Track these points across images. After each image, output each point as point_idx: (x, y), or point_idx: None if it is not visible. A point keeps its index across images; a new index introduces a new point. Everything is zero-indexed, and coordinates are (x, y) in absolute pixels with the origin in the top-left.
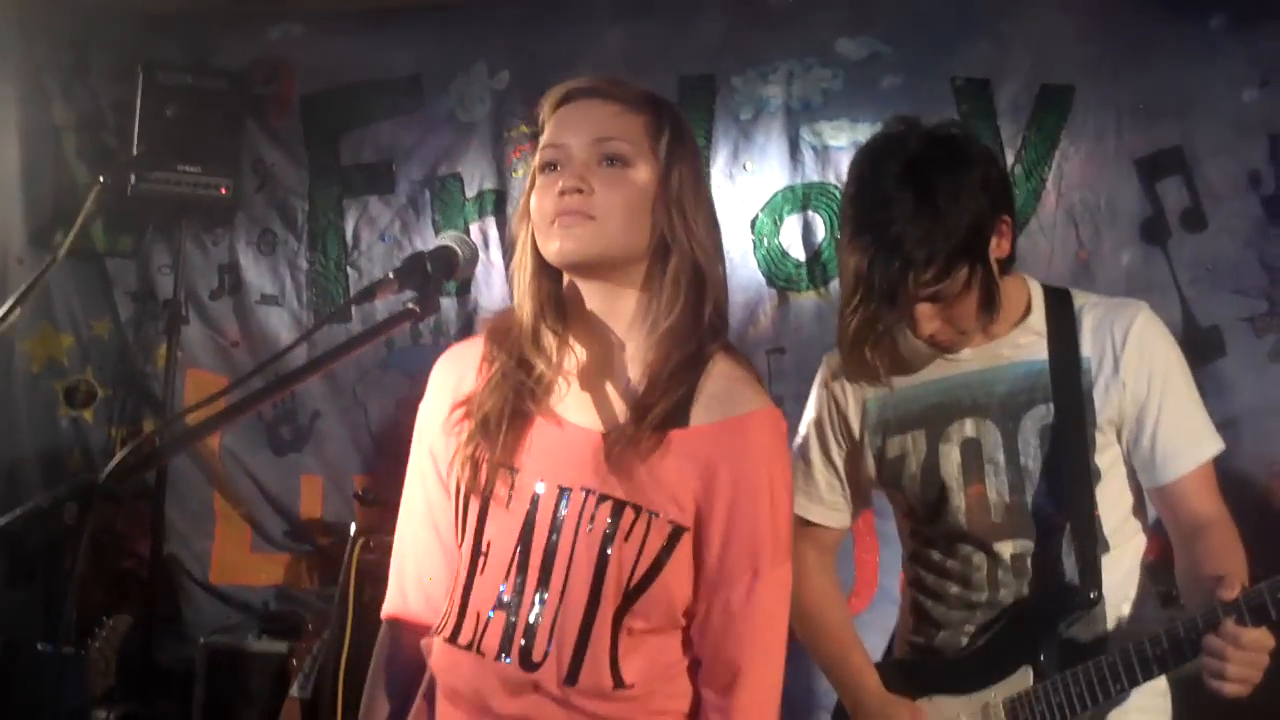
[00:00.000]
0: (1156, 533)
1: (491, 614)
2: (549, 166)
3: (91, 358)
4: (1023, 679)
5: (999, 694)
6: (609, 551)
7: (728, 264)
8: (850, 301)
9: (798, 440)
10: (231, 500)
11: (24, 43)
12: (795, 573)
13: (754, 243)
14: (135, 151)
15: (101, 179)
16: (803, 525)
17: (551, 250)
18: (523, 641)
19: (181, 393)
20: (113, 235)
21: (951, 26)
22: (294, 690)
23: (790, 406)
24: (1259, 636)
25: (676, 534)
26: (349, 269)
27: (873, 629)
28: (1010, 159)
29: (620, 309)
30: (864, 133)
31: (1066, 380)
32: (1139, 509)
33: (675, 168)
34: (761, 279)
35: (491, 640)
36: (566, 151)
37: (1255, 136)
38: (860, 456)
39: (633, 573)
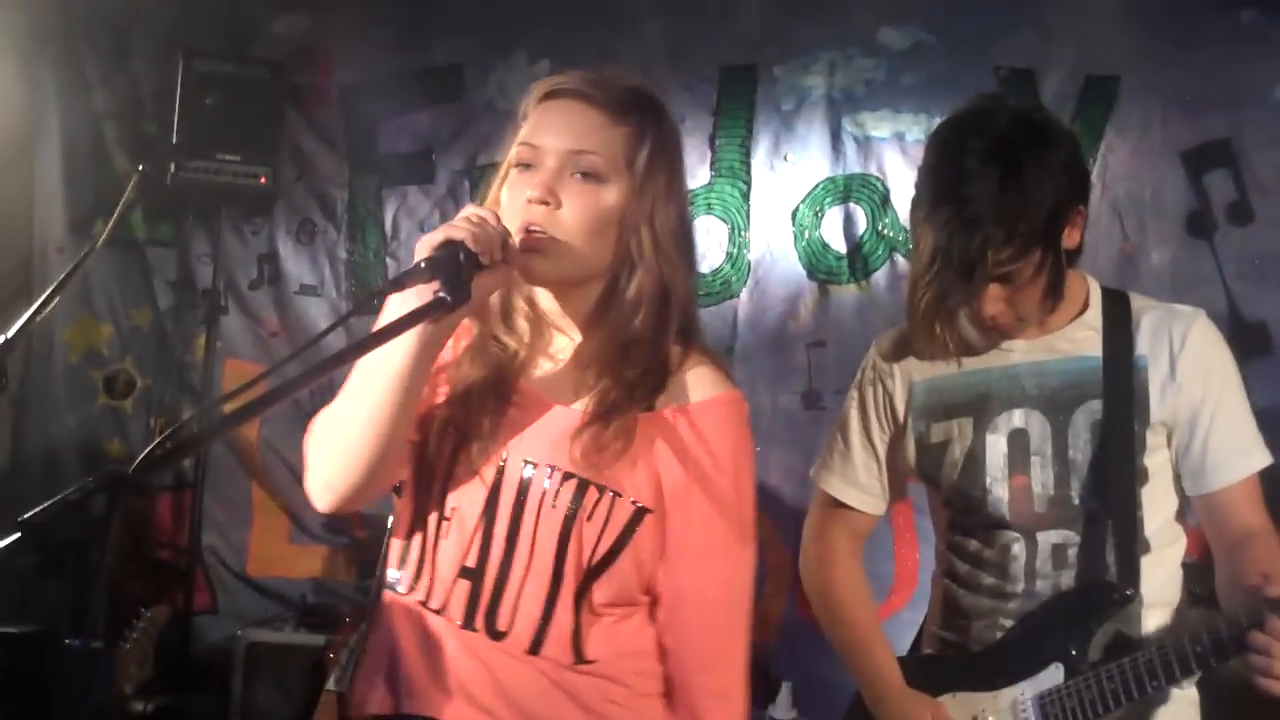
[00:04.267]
0: (1194, 531)
1: (456, 581)
2: (524, 165)
3: (131, 347)
4: (1053, 675)
5: (1028, 690)
6: (570, 531)
7: (768, 256)
8: (925, 274)
9: (840, 422)
10: (270, 492)
11: (65, 31)
12: (824, 557)
13: (795, 235)
14: (175, 140)
15: (141, 167)
16: (835, 507)
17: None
18: (488, 611)
19: (220, 383)
20: (152, 224)
21: (995, 15)
22: (331, 683)
23: (831, 401)
24: None
25: (639, 515)
26: (388, 259)
27: (913, 626)
28: None
29: (576, 315)
30: (906, 123)
31: (1120, 377)
32: (1182, 515)
33: (651, 181)
34: (802, 271)
35: (457, 607)
36: (541, 155)
37: None
38: (902, 441)
39: (594, 552)
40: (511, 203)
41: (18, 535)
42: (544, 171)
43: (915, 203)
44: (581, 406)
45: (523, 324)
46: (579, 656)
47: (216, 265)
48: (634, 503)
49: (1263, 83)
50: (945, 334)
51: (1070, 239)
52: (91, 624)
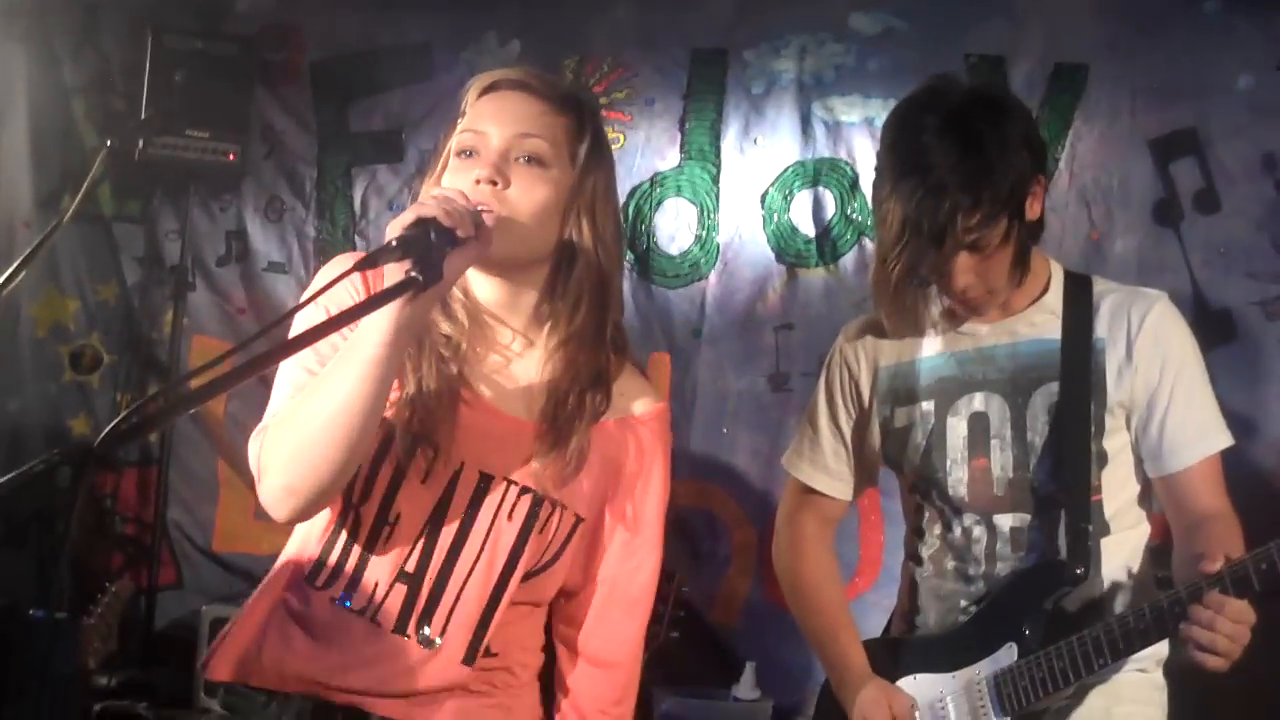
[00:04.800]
0: (1157, 515)
1: (393, 586)
2: (466, 152)
3: (98, 323)
4: (1008, 655)
5: (983, 670)
6: (526, 543)
7: (737, 239)
8: (894, 247)
9: (809, 410)
10: (236, 467)
11: (35, 5)
12: (794, 543)
13: (764, 218)
14: (144, 116)
15: (109, 143)
16: (805, 493)
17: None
18: (420, 618)
19: (187, 359)
20: (120, 200)
21: (966, 3)
22: None
23: (798, 383)
24: (1242, 608)
25: (576, 524)
26: (357, 238)
27: (877, 608)
28: None
29: (519, 306)
30: (876, 109)
31: (1077, 360)
32: (1144, 499)
33: (591, 174)
34: (771, 255)
35: (389, 613)
36: (486, 140)
37: (1270, 119)
38: (868, 425)
39: (537, 561)
40: (455, 187)
41: None
42: (490, 154)
43: (877, 182)
44: (535, 419)
45: (460, 312)
46: (487, 650)
47: (184, 242)
48: (575, 514)
49: (1227, 72)
50: (917, 307)
51: (1031, 210)
52: (56, 595)
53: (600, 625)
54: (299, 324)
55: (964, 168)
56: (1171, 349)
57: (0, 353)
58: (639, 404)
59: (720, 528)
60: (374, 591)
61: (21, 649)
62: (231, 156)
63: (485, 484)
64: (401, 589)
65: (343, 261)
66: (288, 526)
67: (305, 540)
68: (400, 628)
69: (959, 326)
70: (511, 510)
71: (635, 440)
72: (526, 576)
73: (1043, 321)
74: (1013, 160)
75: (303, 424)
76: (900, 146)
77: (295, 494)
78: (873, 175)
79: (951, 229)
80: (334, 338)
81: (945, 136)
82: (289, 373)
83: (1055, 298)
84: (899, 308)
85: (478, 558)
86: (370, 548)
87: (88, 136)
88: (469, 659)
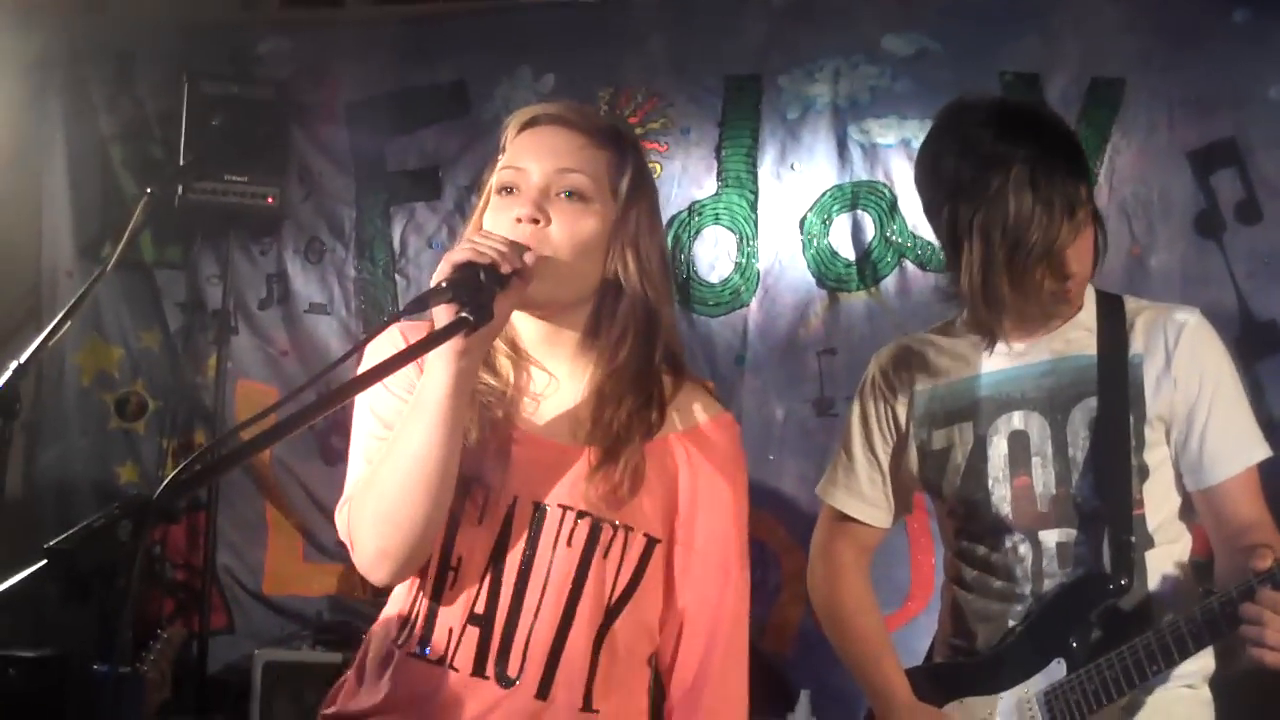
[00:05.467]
0: (1198, 528)
1: (465, 629)
2: (507, 189)
3: (141, 369)
4: (1056, 671)
5: (1033, 688)
6: (589, 569)
7: (777, 265)
8: (1030, 227)
9: (842, 437)
10: (283, 510)
11: (70, 56)
12: (830, 571)
13: (803, 243)
14: (182, 162)
15: (149, 190)
16: (840, 520)
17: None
18: (498, 657)
19: (232, 403)
20: (160, 246)
21: (999, 20)
22: None
23: (843, 408)
24: None
25: (651, 546)
26: (397, 276)
27: (930, 632)
28: None
29: (564, 343)
30: (912, 130)
31: (1115, 374)
32: (1185, 513)
33: (634, 207)
34: (811, 279)
35: (465, 657)
36: (527, 177)
37: None
38: (905, 450)
39: (613, 589)
40: (496, 227)
41: (44, 562)
42: (530, 191)
43: (964, 190)
44: (583, 442)
45: (504, 363)
46: (587, 704)
47: (225, 286)
48: (645, 535)
49: (1267, 81)
50: (1046, 280)
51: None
52: (120, 649)
53: (680, 655)
54: (360, 405)
55: (1058, 143)
56: (1208, 363)
57: (46, 402)
58: (702, 414)
59: (770, 555)
60: (449, 638)
61: (86, 705)
62: (270, 200)
63: (541, 514)
64: (474, 631)
65: (392, 337)
66: (333, 567)
67: (390, 602)
68: (479, 670)
69: (994, 347)
70: (570, 536)
71: (702, 452)
72: (616, 609)
73: (1078, 338)
74: (1075, 155)
75: (383, 487)
76: (972, 149)
77: (389, 556)
78: (911, 196)
79: (1078, 197)
80: (397, 403)
81: (1013, 125)
82: (359, 443)
83: (1089, 315)
84: (1027, 285)
85: (544, 589)
86: (438, 597)
87: (126, 184)
88: (542, 693)
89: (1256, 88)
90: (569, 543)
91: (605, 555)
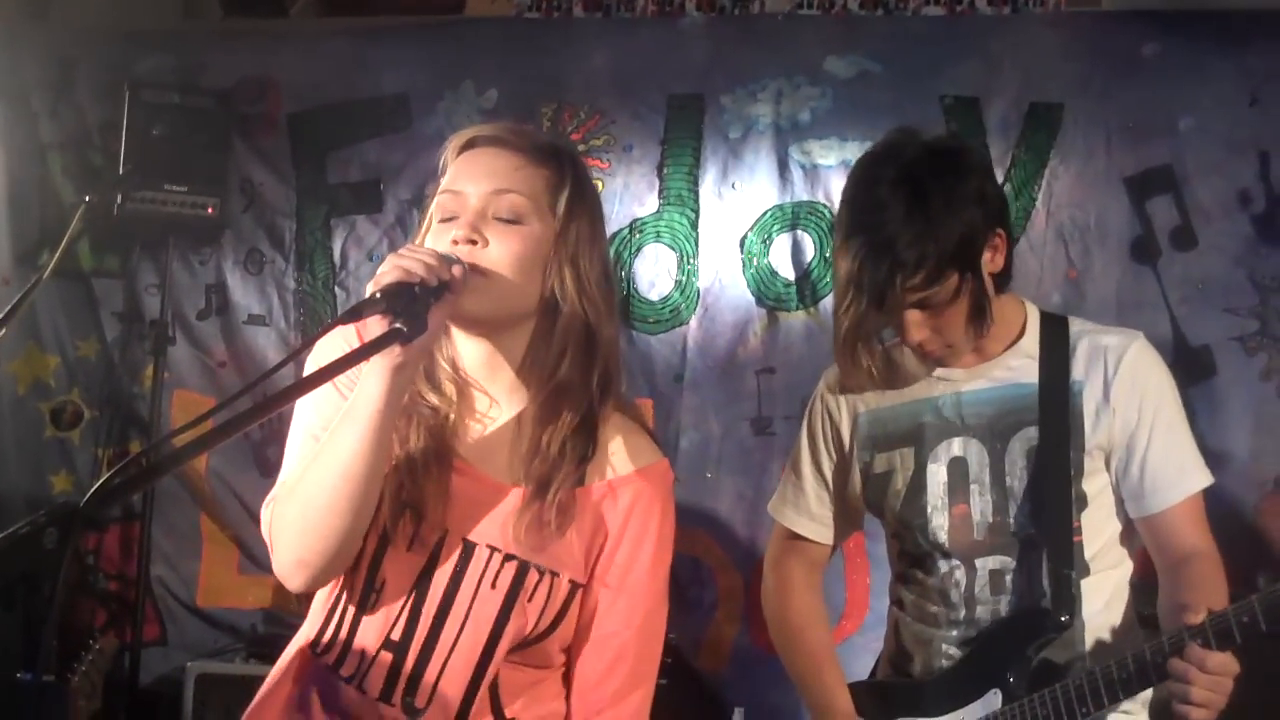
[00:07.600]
0: (1140, 550)
1: (379, 654)
2: (446, 216)
3: (78, 378)
4: (992, 701)
5: (968, 716)
6: (510, 612)
7: (717, 283)
8: (842, 303)
9: (792, 456)
10: (219, 522)
11: (11, 62)
12: (781, 587)
13: (743, 262)
14: (122, 171)
15: (88, 198)
16: (790, 539)
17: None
18: (407, 687)
19: (169, 413)
20: (99, 255)
21: (940, 45)
22: None
23: (781, 426)
24: (1224, 661)
25: (574, 590)
26: (337, 289)
27: (865, 651)
28: (1000, 177)
29: (505, 366)
30: (853, 151)
31: (1055, 404)
32: (1126, 538)
33: (572, 224)
34: (751, 298)
35: (375, 680)
36: (464, 200)
37: (1245, 154)
38: (849, 471)
39: (533, 629)
40: (435, 248)
41: None
42: (468, 214)
43: (834, 235)
44: (518, 483)
45: (449, 385)
46: (499, 716)
47: (164, 296)
48: (570, 581)
49: (1204, 109)
50: (869, 362)
51: (993, 263)
52: (44, 658)
53: (593, 685)
54: (302, 405)
55: (908, 227)
56: (1149, 389)
57: None
58: (633, 461)
59: (705, 573)
60: (361, 658)
61: (10, 713)
62: (210, 210)
63: (469, 552)
64: (387, 657)
65: (335, 338)
66: (268, 579)
67: (314, 610)
68: (385, 696)
69: (935, 372)
70: (495, 579)
71: (627, 500)
72: (527, 644)
73: (1019, 366)
74: (961, 217)
75: (307, 496)
76: (854, 203)
77: (306, 565)
78: None
79: (891, 289)
80: (340, 402)
81: (894, 194)
82: (295, 441)
83: (1032, 341)
84: (853, 363)
85: (461, 627)
86: (359, 615)
87: (65, 192)
88: None
89: (1194, 115)
90: (493, 585)
91: (530, 599)
